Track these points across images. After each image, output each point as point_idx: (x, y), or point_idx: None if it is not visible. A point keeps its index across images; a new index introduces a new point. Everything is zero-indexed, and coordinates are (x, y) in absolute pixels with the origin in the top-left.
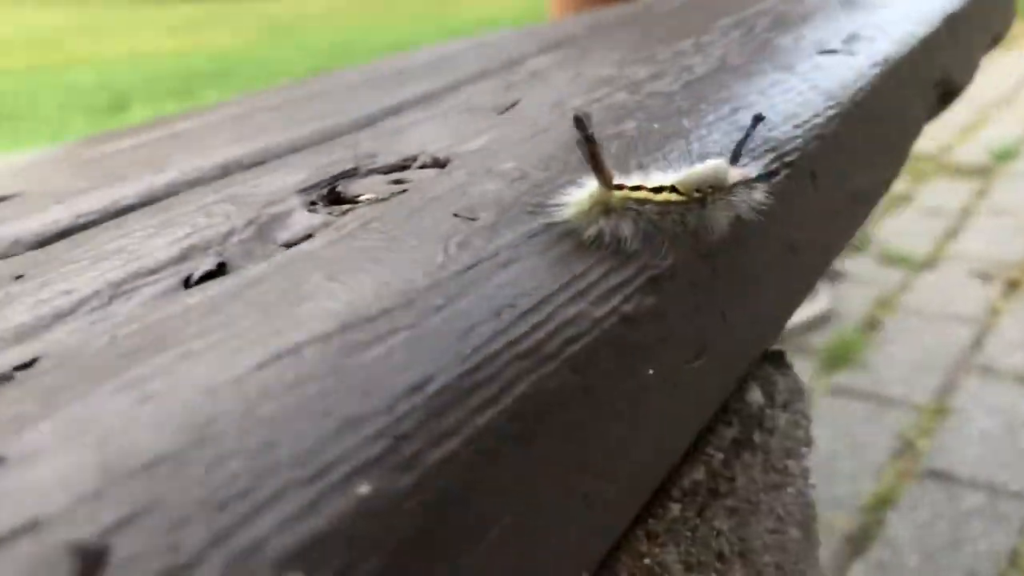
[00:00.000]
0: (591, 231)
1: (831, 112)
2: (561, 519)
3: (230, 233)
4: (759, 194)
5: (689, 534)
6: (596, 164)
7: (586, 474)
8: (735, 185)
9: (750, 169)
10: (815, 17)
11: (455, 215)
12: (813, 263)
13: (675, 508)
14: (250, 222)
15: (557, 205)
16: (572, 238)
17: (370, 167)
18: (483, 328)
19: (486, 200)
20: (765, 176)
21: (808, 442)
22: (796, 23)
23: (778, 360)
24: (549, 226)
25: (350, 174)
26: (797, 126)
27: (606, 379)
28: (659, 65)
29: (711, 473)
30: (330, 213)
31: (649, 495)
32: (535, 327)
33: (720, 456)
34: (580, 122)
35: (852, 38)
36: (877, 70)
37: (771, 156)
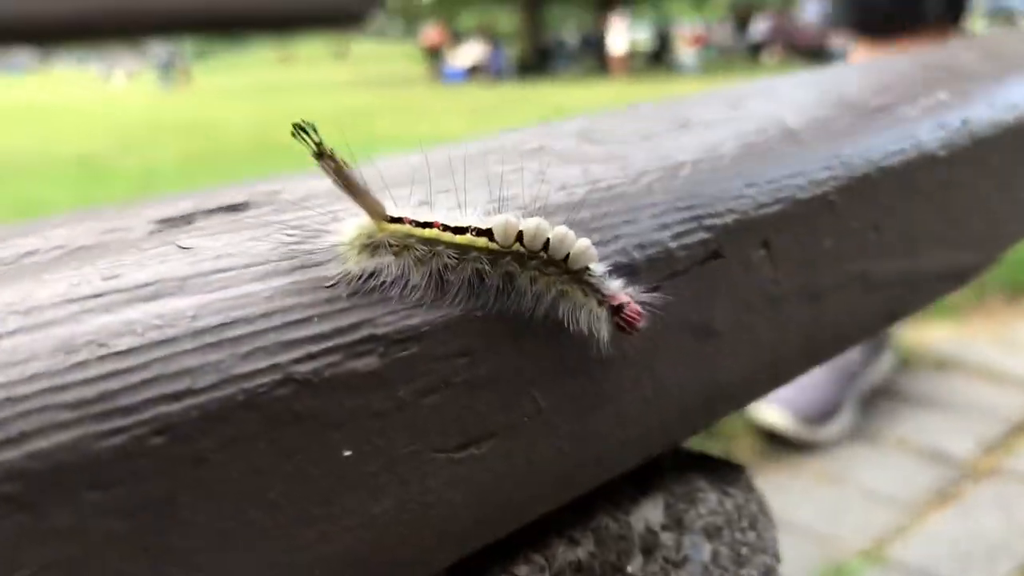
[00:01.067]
0: (346, 267)
1: None
2: None
3: None
4: (606, 328)
5: None
6: (347, 186)
7: None
8: (588, 281)
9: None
10: None
11: None
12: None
13: None
14: None
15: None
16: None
17: None
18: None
19: None
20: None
21: None
22: None
23: (716, 471)
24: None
25: None
26: None
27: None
28: None
29: None
30: None
31: None
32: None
33: None
34: (304, 130)
35: None
36: None
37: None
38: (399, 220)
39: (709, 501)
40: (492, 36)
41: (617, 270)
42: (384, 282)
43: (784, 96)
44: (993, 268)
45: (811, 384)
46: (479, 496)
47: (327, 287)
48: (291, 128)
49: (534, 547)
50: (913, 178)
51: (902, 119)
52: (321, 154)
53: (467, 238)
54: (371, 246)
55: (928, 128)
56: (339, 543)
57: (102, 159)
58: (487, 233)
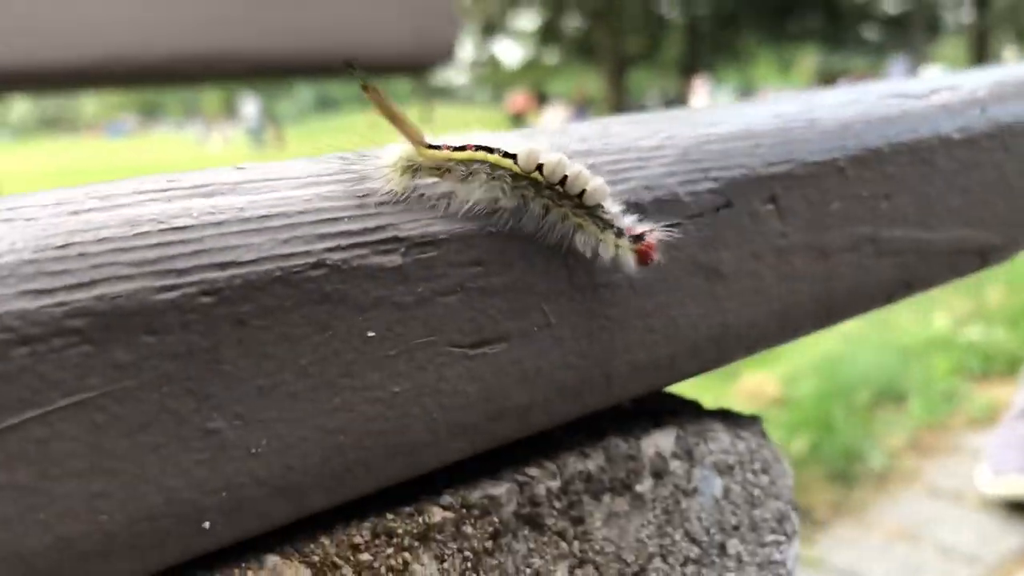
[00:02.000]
0: (390, 186)
1: None
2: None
3: None
4: (627, 260)
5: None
6: (391, 116)
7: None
8: (602, 217)
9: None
10: None
11: None
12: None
13: (437, 514)
14: None
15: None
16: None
17: None
18: None
19: None
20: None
21: (779, 529)
22: None
23: (730, 417)
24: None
25: None
26: None
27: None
28: None
29: (522, 501)
30: None
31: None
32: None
33: (549, 486)
34: (351, 68)
35: None
36: None
37: None
38: (437, 147)
39: (721, 440)
40: (577, 101)
41: (627, 207)
42: (423, 196)
43: (822, 100)
44: (1018, 253)
45: None
46: (491, 393)
47: (360, 196)
48: (343, 65)
49: (547, 456)
50: (927, 156)
51: (917, 101)
52: (366, 87)
53: (495, 157)
54: (412, 168)
55: (941, 112)
56: (361, 413)
57: None
58: (512, 157)
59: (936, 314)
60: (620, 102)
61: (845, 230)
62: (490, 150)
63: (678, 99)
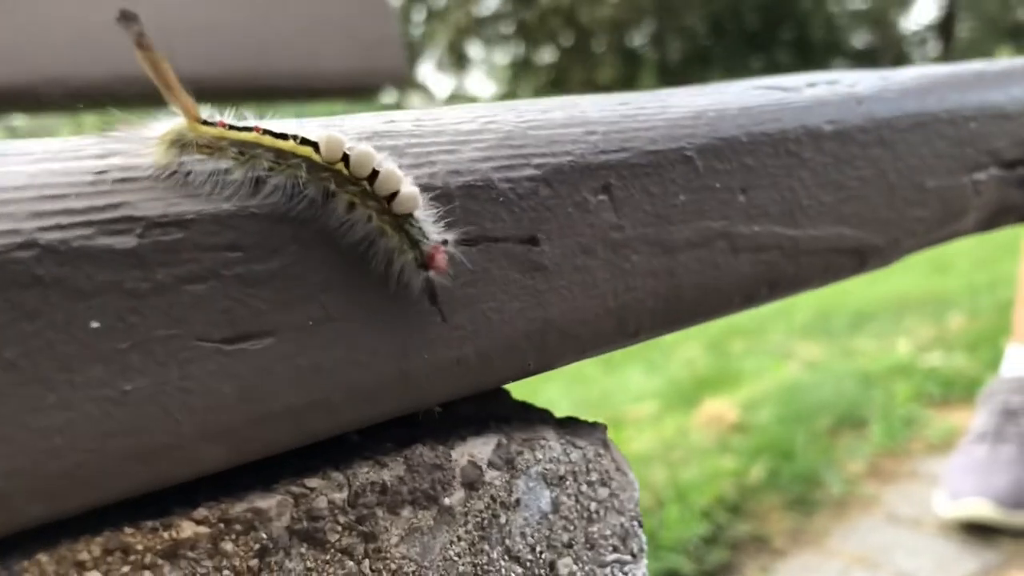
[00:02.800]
0: (152, 160)
1: None
2: None
3: None
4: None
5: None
6: (166, 83)
7: None
8: (409, 227)
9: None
10: None
11: None
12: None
13: (188, 528)
14: None
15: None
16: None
17: None
18: None
19: None
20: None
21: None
22: None
23: (568, 425)
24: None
25: None
26: None
27: None
28: None
29: (297, 515)
30: None
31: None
32: None
33: (333, 498)
34: (127, 17)
35: None
36: None
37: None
38: (213, 124)
39: (551, 449)
40: None
41: (428, 193)
42: (190, 175)
43: (680, 91)
44: (903, 258)
45: (1003, 468)
46: (254, 393)
47: (96, 172)
48: (116, 14)
49: (335, 465)
50: (793, 148)
51: (787, 93)
52: (142, 44)
53: (289, 144)
54: (180, 144)
55: (812, 103)
56: (83, 412)
57: None
58: (313, 145)
59: (898, 340)
60: None
61: (693, 224)
62: (283, 136)
63: None
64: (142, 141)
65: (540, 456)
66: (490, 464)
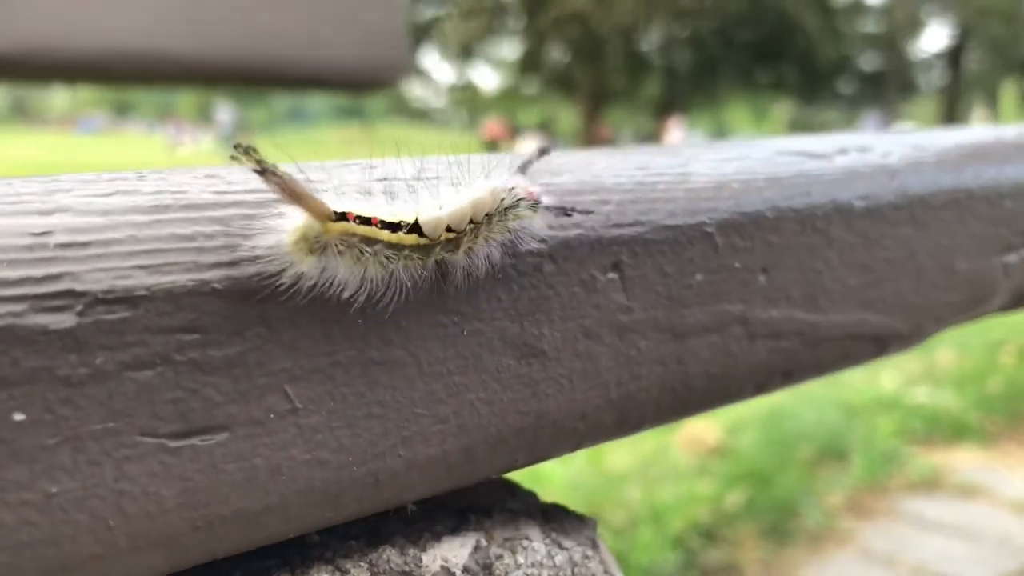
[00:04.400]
0: (291, 272)
1: None
2: None
3: None
4: (537, 223)
5: None
6: (290, 195)
7: None
8: (511, 205)
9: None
10: None
11: None
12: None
13: None
14: None
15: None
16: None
17: None
18: None
19: None
20: (557, 208)
21: None
22: None
23: (556, 519)
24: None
25: None
26: None
27: None
28: None
29: None
30: None
31: None
32: None
33: None
34: (247, 152)
35: None
36: None
37: None
38: (343, 217)
39: (534, 551)
40: (549, 133)
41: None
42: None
43: (703, 154)
44: (928, 341)
45: None
46: (200, 497)
47: (35, 234)
48: (231, 154)
49: (291, 569)
50: (821, 226)
51: (816, 162)
52: (264, 171)
53: (398, 237)
54: (310, 244)
55: (843, 175)
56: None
57: None
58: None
59: (885, 373)
60: (593, 136)
61: (709, 307)
62: (394, 227)
63: (651, 138)
64: (272, 249)
65: (522, 560)
66: (465, 570)
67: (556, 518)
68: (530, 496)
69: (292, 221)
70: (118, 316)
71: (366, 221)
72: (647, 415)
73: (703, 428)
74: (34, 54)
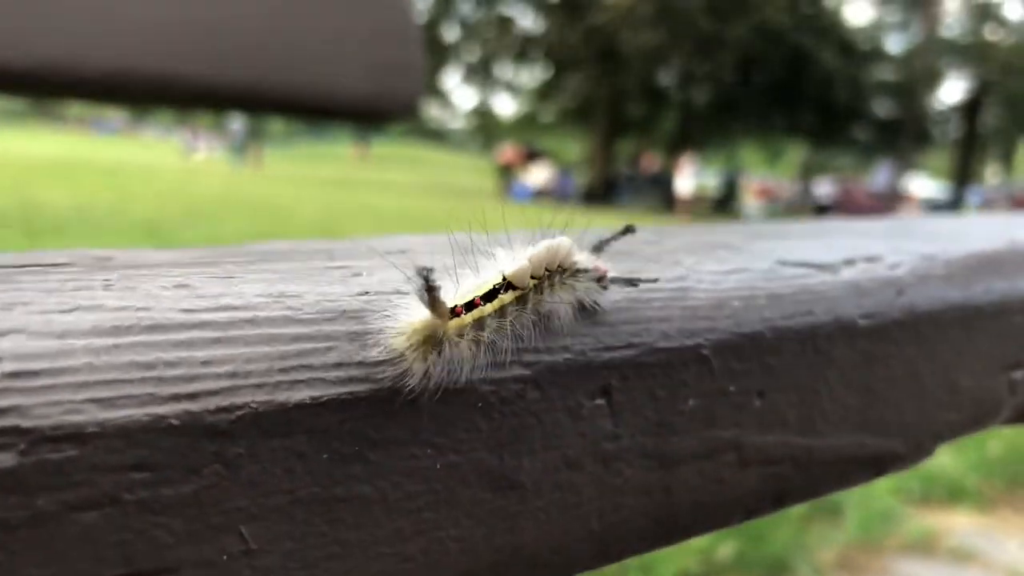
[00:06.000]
0: (416, 369)
1: None
2: None
3: None
4: (611, 293)
5: None
6: (433, 303)
7: None
8: (578, 270)
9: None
10: None
11: None
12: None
13: None
14: None
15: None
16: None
17: None
18: None
19: None
20: (624, 280)
21: None
22: None
23: None
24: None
25: None
26: None
27: None
28: None
29: None
30: None
31: None
32: None
33: None
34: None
35: None
36: None
37: None
38: (454, 312)
39: None
40: (563, 162)
41: (397, 399)
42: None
43: (702, 265)
44: (927, 461)
45: None
46: None
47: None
48: (416, 270)
49: None
50: (823, 346)
51: (822, 275)
52: (430, 288)
53: (499, 300)
54: (427, 343)
55: (847, 291)
56: None
57: (168, 226)
58: (509, 286)
59: None
60: (605, 170)
61: (700, 434)
62: (491, 296)
63: (665, 174)
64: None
65: None
66: None
67: None
68: None
69: (409, 322)
70: (64, 455)
71: (470, 306)
72: (629, 546)
73: None
74: (47, 69)
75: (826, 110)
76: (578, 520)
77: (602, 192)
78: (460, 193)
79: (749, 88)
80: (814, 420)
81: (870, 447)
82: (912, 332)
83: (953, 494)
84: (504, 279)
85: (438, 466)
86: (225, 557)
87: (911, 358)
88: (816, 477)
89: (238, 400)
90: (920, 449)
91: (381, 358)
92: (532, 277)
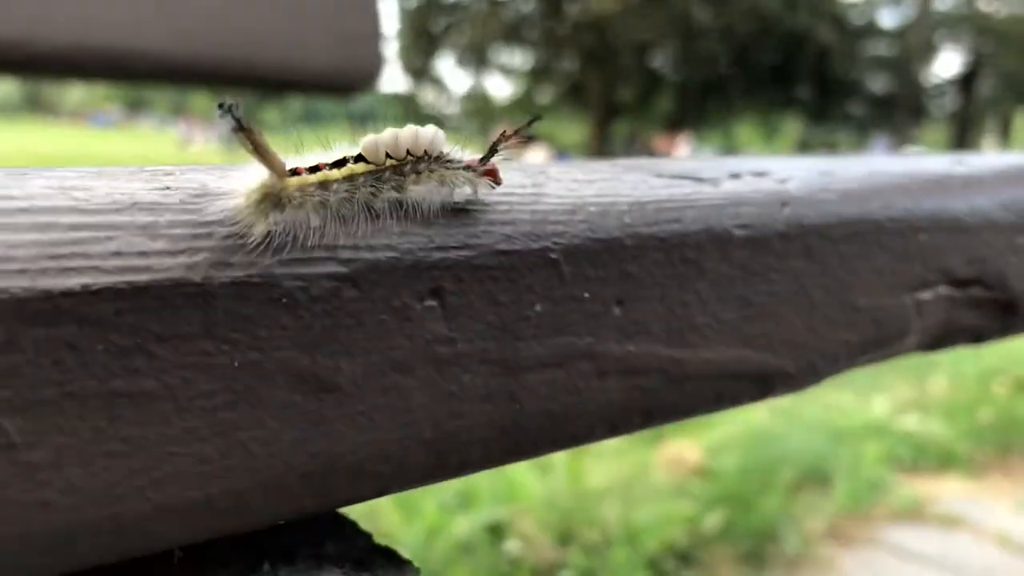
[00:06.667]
0: (258, 229)
1: None
2: None
3: None
4: (483, 187)
5: None
6: (260, 152)
7: None
8: (449, 160)
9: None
10: None
11: None
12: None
13: None
14: None
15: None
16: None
17: None
18: None
19: None
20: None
21: None
22: None
23: (371, 565)
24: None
25: None
26: None
27: None
28: None
29: None
30: None
31: None
32: None
33: None
34: (227, 109)
35: None
36: None
37: None
38: (294, 172)
39: None
40: (558, 145)
41: (184, 291)
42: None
43: (560, 173)
44: (819, 383)
45: None
46: None
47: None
48: (216, 107)
49: None
50: (692, 255)
51: (698, 186)
52: (242, 127)
53: (348, 168)
54: (265, 202)
55: (724, 201)
56: None
57: None
58: (361, 158)
59: (876, 398)
60: (601, 151)
61: (549, 341)
62: (340, 163)
63: (661, 155)
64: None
65: None
66: None
67: (371, 565)
68: (360, 538)
69: (249, 182)
70: None
71: (315, 170)
72: (472, 456)
73: (685, 448)
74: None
75: (821, 86)
76: (408, 427)
77: None
78: None
79: (743, 67)
80: (683, 332)
81: (753, 363)
82: (799, 245)
83: (943, 461)
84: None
85: (235, 363)
86: None
87: (797, 273)
88: (690, 394)
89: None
90: (813, 370)
91: (169, 247)
92: (389, 157)
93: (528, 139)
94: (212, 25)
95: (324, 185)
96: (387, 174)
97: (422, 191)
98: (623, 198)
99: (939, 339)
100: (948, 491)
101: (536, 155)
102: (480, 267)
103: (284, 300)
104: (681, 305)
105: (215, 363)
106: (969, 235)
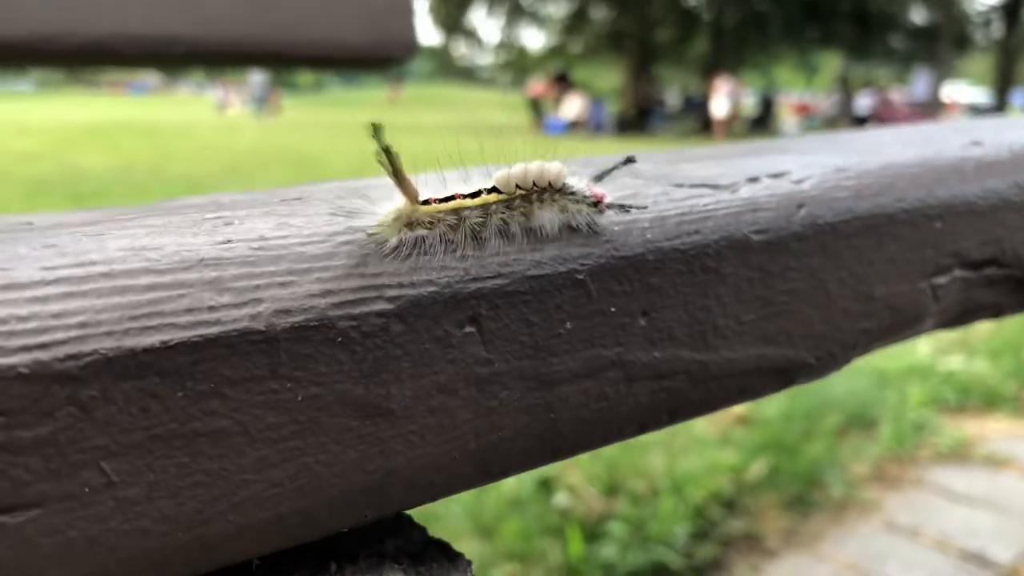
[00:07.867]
0: (392, 242)
1: None
2: None
3: None
4: (601, 217)
5: None
6: (398, 177)
7: None
8: (571, 192)
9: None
10: None
11: None
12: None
13: None
14: None
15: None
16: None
17: None
18: None
19: None
20: (618, 206)
21: None
22: None
23: (426, 561)
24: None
25: None
26: None
27: None
28: None
29: None
30: None
31: None
32: None
33: None
34: (376, 131)
35: None
36: None
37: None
38: (427, 202)
39: None
40: (596, 93)
41: (251, 338)
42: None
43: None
44: (840, 370)
45: None
46: (12, 571)
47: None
48: (368, 128)
49: None
50: (711, 264)
51: (715, 190)
52: (387, 151)
53: (482, 198)
54: (409, 223)
55: (741, 209)
56: None
57: (209, 182)
58: (494, 189)
59: (920, 340)
60: (638, 97)
61: (580, 354)
62: (475, 194)
63: (699, 97)
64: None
65: None
66: None
67: (427, 560)
68: (416, 532)
69: (387, 208)
70: None
71: (449, 200)
72: (513, 463)
73: None
74: (42, 40)
75: (861, 19)
76: (455, 441)
77: (636, 120)
78: (491, 130)
79: (780, 3)
80: (706, 335)
81: (774, 358)
82: (814, 244)
83: (988, 401)
84: (486, 188)
85: (299, 398)
86: (87, 490)
87: (814, 270)
88: (714, 389)
89: (86, 348)
90: (833, 359)
91: (234, 300)
92: (518, 187)
93: (568, 86)
94: (246, 8)
95: (457, 212)
96: (517, 202)
97: (545, 216)
98: (645, 215)
99: (958, 317)
100: (994, 431)
101: (573, 102)
102: (513, 293)
103: (340, 340)
104: (703, 310)
105: (281, 399)
106: (983, 218)
